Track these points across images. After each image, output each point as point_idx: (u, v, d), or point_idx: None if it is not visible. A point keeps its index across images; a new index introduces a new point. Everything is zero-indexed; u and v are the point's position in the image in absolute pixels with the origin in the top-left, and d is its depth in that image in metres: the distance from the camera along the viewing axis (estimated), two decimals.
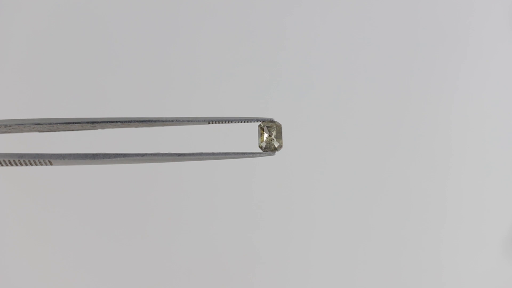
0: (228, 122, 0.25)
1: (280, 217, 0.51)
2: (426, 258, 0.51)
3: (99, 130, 0.25)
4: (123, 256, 0.50)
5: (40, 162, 0.20)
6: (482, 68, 0.53)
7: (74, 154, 0.20)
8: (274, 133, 0.24)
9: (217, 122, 0.25)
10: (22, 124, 0.21)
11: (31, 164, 0.20)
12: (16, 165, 0.20)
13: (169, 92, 0.52)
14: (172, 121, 0.25)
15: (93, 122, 0.22)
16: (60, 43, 0.51)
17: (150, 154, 0.22)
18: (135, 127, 0.25)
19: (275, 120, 0.24)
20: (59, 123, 0.21)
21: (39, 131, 0.24)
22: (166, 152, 0.22)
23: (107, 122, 0.23)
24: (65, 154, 0.20)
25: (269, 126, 0.24)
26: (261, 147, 0.24)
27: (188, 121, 0.25)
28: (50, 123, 0.22)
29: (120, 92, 0.51)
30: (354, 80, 0.52)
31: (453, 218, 0.51)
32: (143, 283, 0.50)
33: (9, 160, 0.20)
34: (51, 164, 0.20)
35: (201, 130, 0.48)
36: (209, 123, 0.26)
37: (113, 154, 0.20)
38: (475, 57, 0.53)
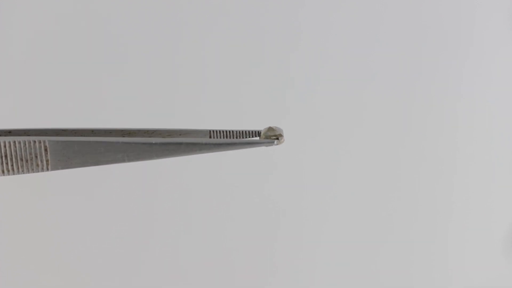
0: (228, 135, 0.25)
1: (290, 219, 0.51)
2: (431, 256, 0.51)
3: None
4: (130, 258, 0.50)
5: (37, 165, 0.20)
6: (485, 69, 0.53)
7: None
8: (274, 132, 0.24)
9: (218, 134, 0.25)
10: (26, 131, 0.22)
11: (27, 171, 0.20)
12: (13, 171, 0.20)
13: (173, 95, 0.52)
14: (173, 131, 0.25)
15: (92, 130, 0.22)
16: (62, 46, 0.52)
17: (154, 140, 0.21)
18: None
19: (272, 126, 0.24)
20: (59, 129, 0.21)
21: None
22: (167, 140, 0.21)
23: (107, 131, 0.23)
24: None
25: (270, 132, 0.24)
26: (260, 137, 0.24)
27: (189, 133, 0.25)
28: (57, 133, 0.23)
29: (124, 93, 0.51)
30: (358, 82, 0.52)
31: (457, 218, 0.51)
32: (149, 283, 0.50)
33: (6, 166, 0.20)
34: (47, 168, 0.20)
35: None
36: (210, 136, 0.26)
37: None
38: (477, 59, 0.53)
